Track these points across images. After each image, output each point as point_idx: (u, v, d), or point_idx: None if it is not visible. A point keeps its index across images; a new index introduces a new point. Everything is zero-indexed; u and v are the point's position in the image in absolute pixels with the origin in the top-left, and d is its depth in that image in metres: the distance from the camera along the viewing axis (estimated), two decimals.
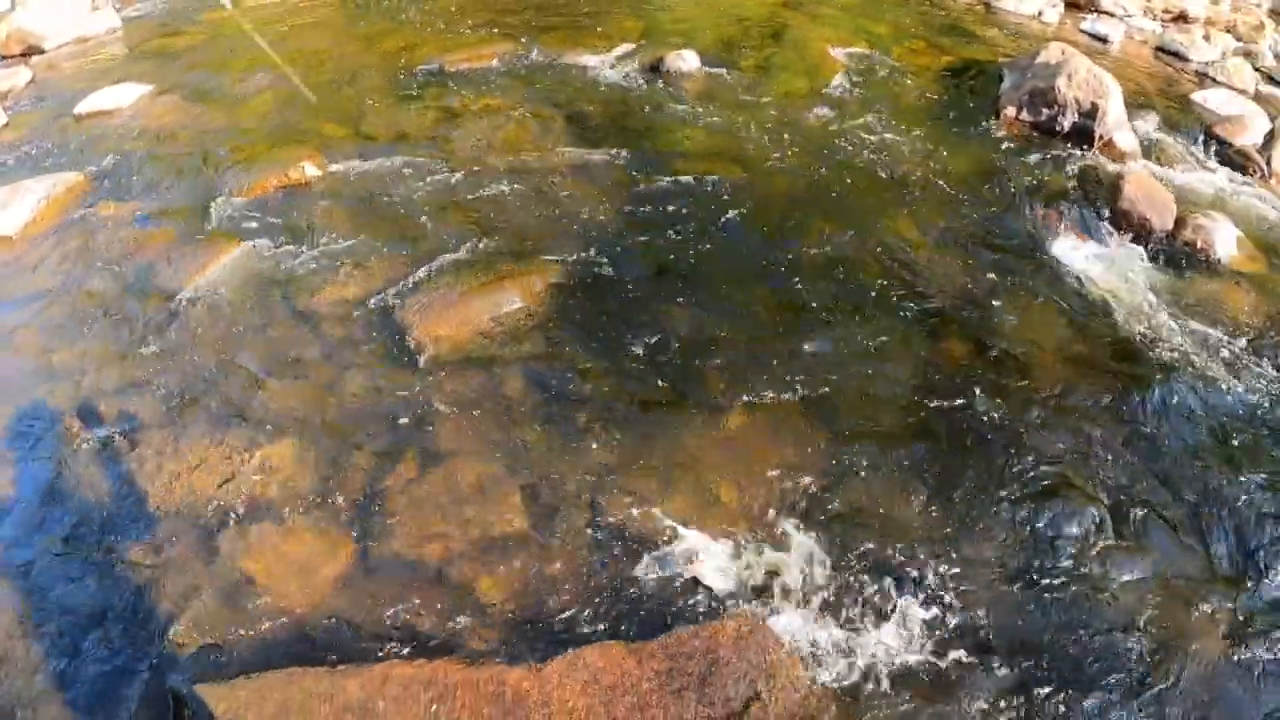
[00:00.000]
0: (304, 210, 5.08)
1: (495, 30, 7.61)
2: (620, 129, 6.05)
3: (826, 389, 4.06)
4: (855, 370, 4.19)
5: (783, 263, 4.84)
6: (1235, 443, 4.14)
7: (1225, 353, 4.69)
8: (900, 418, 3.98)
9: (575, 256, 4.71)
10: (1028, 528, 3.54)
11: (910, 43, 8.06)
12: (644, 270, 4.69)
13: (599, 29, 7.79)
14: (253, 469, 3.57)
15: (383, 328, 4.22)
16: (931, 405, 4.05)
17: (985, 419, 3.99)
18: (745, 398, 3.98)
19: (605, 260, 4.70)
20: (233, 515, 3.39)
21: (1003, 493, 3.67)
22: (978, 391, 4.12)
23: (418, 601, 3.13)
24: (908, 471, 3.71)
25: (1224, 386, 4.43)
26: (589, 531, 3.39)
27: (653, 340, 4.23)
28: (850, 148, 5.96)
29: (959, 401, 4.07)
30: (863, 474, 3.68)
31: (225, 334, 4.22)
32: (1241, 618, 3.34)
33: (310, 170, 5.43)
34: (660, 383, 4.03)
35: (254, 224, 4.93)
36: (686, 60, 7.01)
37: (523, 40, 7.33)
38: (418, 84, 6.55)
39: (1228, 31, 11.58)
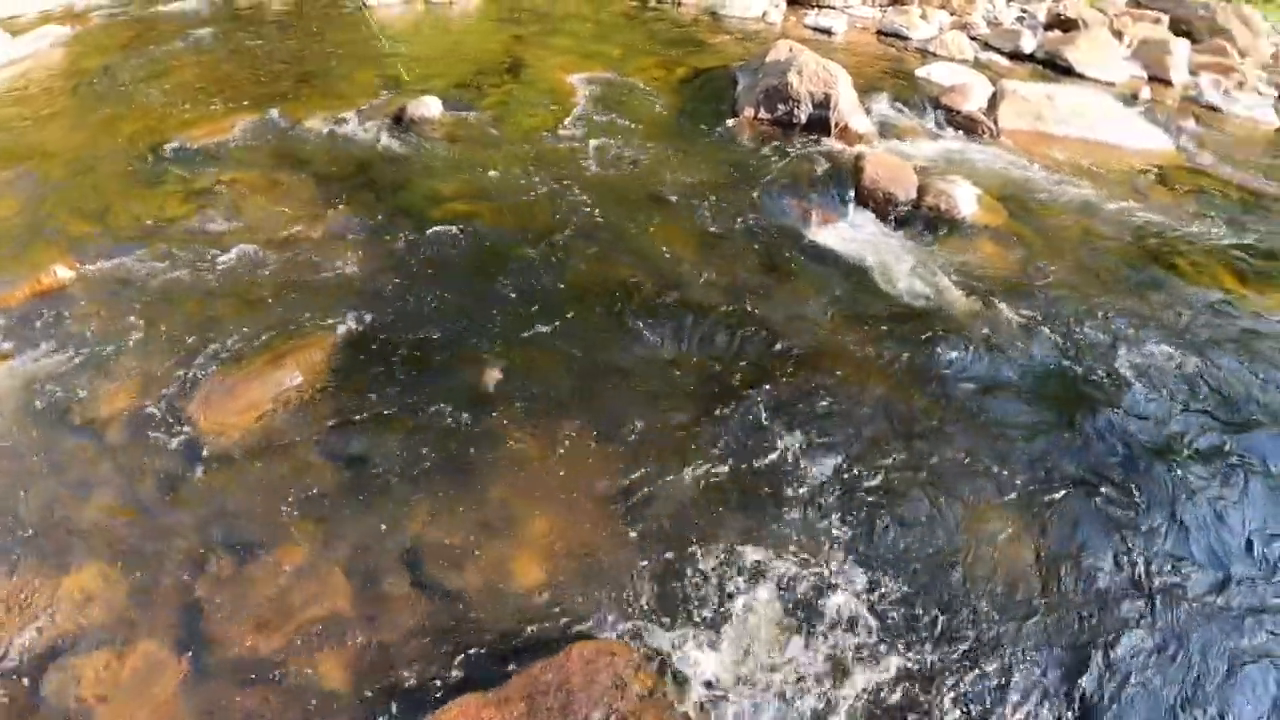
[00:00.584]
0: (63, 317, 4.52)
1: (236, 102, 7.11)
2: (371, 185, 5.71)
3: (621, 409, 3.89)
4: (643, 387, 4.02)
5: (552, 291, 4.61)
6: (988, 380, 4.29)
7: (976, 300, 4.87)
8: (692, 427, 3.84)
9: (347, 322, 4.36)
10: (822, 512, 3.48)
11: (643, 59, 8.09)
12: (416, 324, 4.39)
13: (339, 87, 7.42)
14: (62, 601, 3.14)
15: (167, 428, 3.79)
16: (721, 409, 3.92)
17: (770, 410, 3.90)
18: (543, 433, 3.77)
19: (377, 320, 4.38)
20: (51, 652, 2.97)
21: (802, 482, 3.59)
22: (764, 386, 4.04)
23: (262, 700, 2.84)
24: (710, 478, 3.59)
25: (975, 332, 4.57)
26: (416, 592, 3.17)
27: (439, 390, 3.97)
28: (599, 169, 5.83)
29: (745, 400, 3.96)
30: (666, 487, 3.54)
31: (1, 465, 3.71)
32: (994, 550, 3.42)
33: (62, 273, 4.84)
34: (456, 431, 3.78)
35: (10, 340, 4.37)
36: (429, 107, 6.75)
37: (265, 108, 6.87)
38: (162, 165, 6.00)
39: (942, 8, 12.34)
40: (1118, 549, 3.50)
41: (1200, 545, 3.57)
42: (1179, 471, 3.89)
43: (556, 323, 4.36)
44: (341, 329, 4.32)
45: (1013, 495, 3.66)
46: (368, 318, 4.39)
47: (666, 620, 3.10)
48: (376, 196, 5.47)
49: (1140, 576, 3.41)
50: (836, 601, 3.16)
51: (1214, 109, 11.74)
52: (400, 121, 6.59)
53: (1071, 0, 14.49)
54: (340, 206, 5.34)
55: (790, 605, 3.15)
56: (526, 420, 3.84)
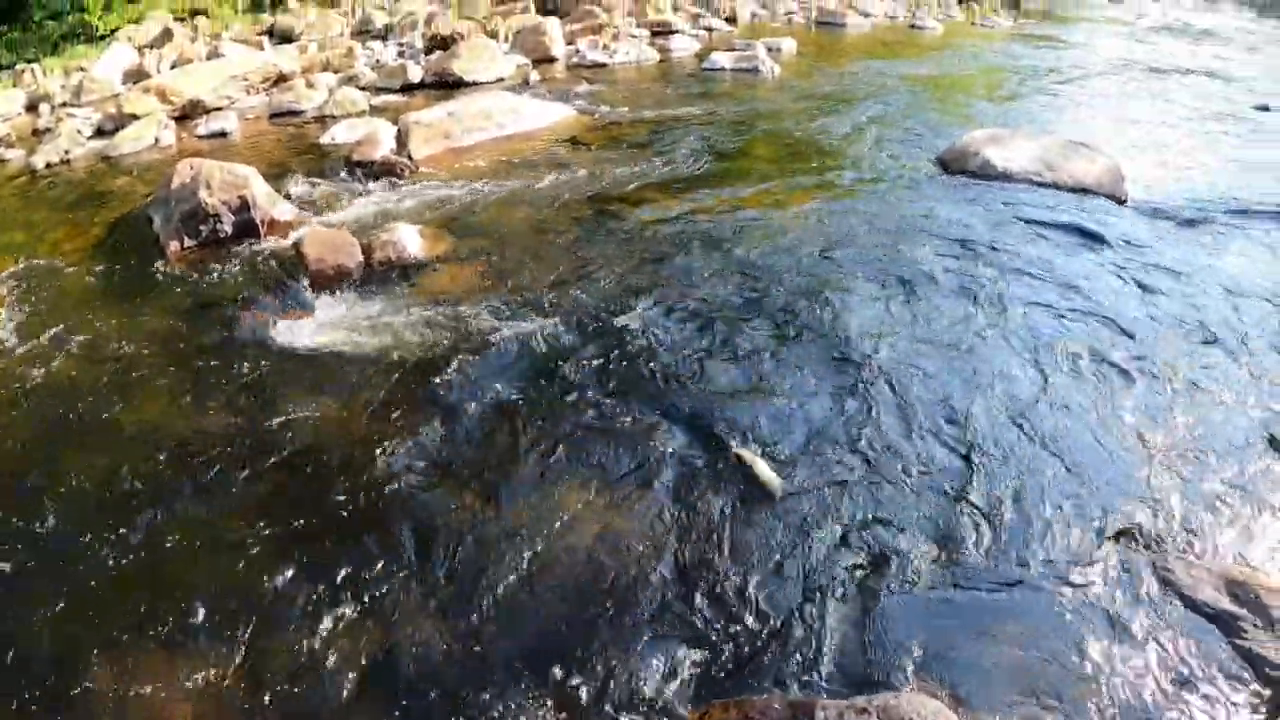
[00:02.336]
0: None
1: None
2: None
3: None
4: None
5: (60, 534, 4.11)
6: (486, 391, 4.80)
7: (450, 327, 5.40)
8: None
9: None
10: None
11: (53, 233, 7.52)
12: None
13: None
14: None
15: None
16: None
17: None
18: None
19: None
20: None
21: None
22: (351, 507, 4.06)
23: None
24: None
25: (467, 358, 5.04)
26: None
27: None
28: (51, 374, 5.26)
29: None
30: None
31: None
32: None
33: None
34: None
35: None
36: None
37: None
38: None
39: (325, 69, 12.73)
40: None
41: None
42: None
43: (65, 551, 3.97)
44: None
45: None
46: None
47: None
48: None
49: None
50: None
51: (600, 65, 13.50)
52: None
53: (441, 19, 15.67)
54: None
55: None
56: None
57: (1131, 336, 5.20)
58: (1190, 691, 3.10)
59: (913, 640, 3.28)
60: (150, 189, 7.83)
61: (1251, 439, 4.36)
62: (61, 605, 3.60)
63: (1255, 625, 3.30)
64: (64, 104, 11.72)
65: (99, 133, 10.31)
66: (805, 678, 3.16)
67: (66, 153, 9.60)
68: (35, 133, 10.79)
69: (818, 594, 3.49)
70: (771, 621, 3.37)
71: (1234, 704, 3.05)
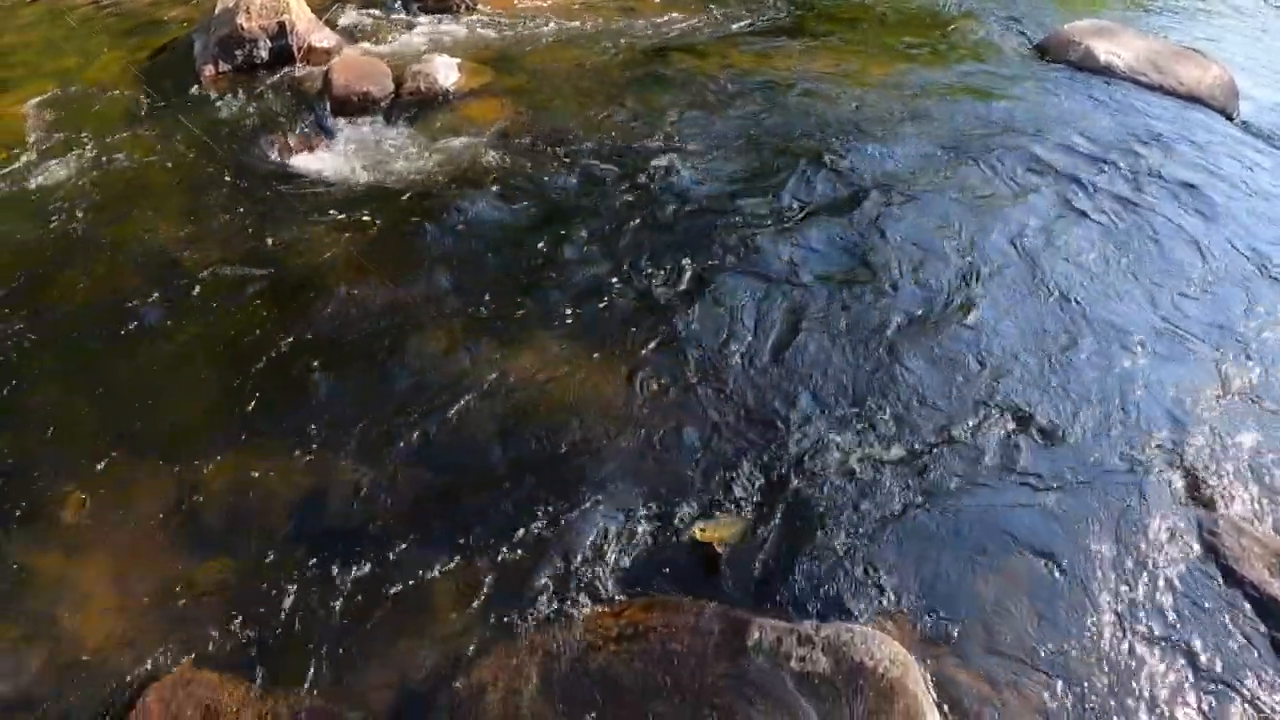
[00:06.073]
0: None
1: None
2: None
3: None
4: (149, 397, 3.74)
5: (60, 340, 4.04)
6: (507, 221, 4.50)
7: (481, 154, 5.09)
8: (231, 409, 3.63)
9: None
10: None
11: (101, 59, 7.39)
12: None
13: None
14: None
15: None
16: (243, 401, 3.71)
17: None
18: None
19: None
20: None
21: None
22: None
23: None
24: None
25: (487, 185, 4.72)
26: None
27: None
28: (63, 193, 5.24)
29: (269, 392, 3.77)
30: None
31: None
32: None
33: None
34: None
35: None
36: None
37: None
38: None
39: None
40: None
41: None
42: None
43: (62, 355, 3.91)
44: None
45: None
46: None
47: None
48: None
49: None
50: None
51: None
52: None
53: None
54: None
55: None
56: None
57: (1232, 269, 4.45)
58: (1210, 680, 2.60)
59: (892, 566, 2.85)
60: (201, 15, 7.60)
61: None
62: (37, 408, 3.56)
63: None
64: None
65: None
66: (750, 590, 2.78)
67: None
68: None
69: (789, 499, 3.07)
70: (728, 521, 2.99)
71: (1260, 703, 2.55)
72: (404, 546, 2.93)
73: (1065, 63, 6.94)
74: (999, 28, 7.83)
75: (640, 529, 2.95)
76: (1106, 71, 6.74)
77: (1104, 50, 6.91)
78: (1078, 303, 4.06)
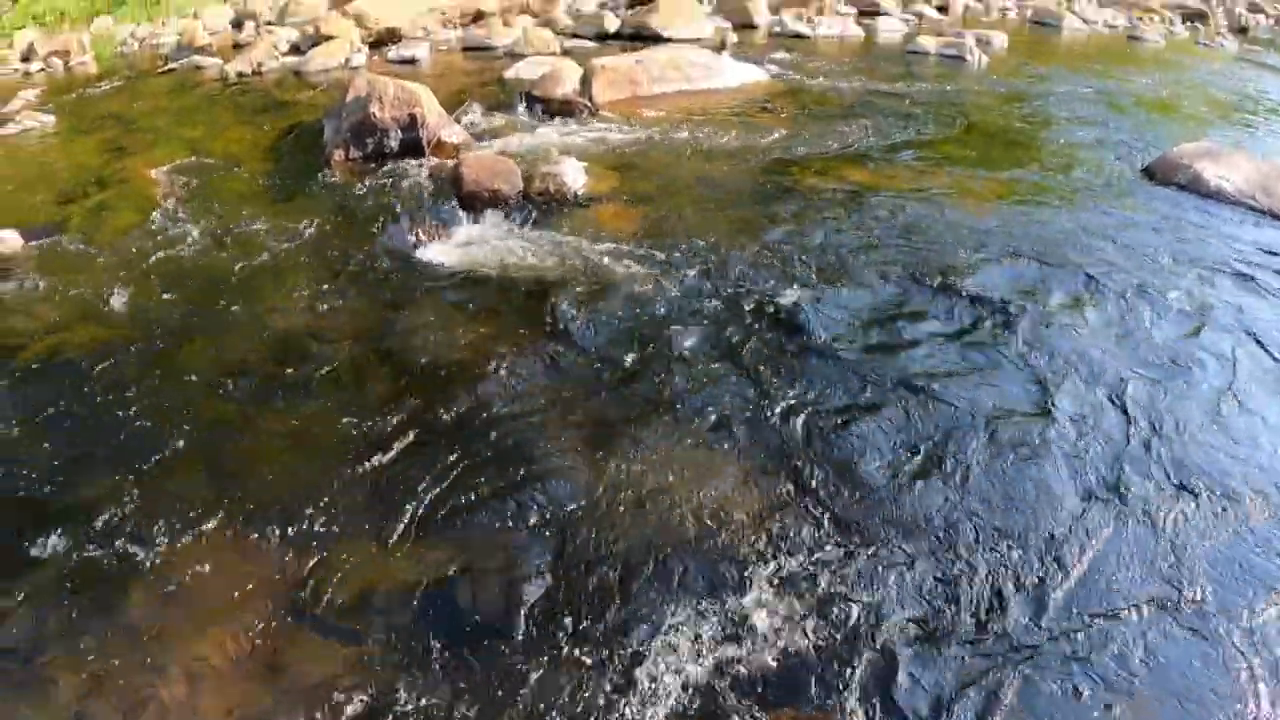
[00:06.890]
0: None
1: None
2: None
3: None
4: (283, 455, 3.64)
5: (189, 411, 4.01)
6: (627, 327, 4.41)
7: (605, 259, 5.01)
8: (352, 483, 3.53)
9: None
10: None
11: (231, 132, 7.62)
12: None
13: None
14: None
15: None
16: (368, 460, 3.62)
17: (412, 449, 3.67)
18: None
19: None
20: None
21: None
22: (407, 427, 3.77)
23: None
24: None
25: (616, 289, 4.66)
26: None
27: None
28: (194, 254, 5.31)
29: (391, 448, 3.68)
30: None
31: None
32: None
33: None
34: None
35: None
36: (5, 241, 5.89)
37: None
38: None
39: (524, 13, 12.63)
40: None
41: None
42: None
43: (189, 426, 3.85)
44: None
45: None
46: None
47: None
48: None
49: None
50: None
51: (801, 36, 12.91)
52: None
53: None
54: None
55: None
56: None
57: None
58: None
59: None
60: (329, 101, 7.81)
61: None
62: (144, 474, 3.46)
63: None
64: (268, 23, 12.03)
65: (294, 50, 10.49)
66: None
67: (259, 65, 9.79)
68: (236, 46, 11.11)
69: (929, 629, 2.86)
70: (858, 638, 2.76)
71: None
72: (532, 653, 2.72)
73: (1173, 185, 6.76)
74: (1104, 151, 7.70)
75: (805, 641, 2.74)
76: (1216, 195, 6.54)
77: (1213, 173, 6.71)
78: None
